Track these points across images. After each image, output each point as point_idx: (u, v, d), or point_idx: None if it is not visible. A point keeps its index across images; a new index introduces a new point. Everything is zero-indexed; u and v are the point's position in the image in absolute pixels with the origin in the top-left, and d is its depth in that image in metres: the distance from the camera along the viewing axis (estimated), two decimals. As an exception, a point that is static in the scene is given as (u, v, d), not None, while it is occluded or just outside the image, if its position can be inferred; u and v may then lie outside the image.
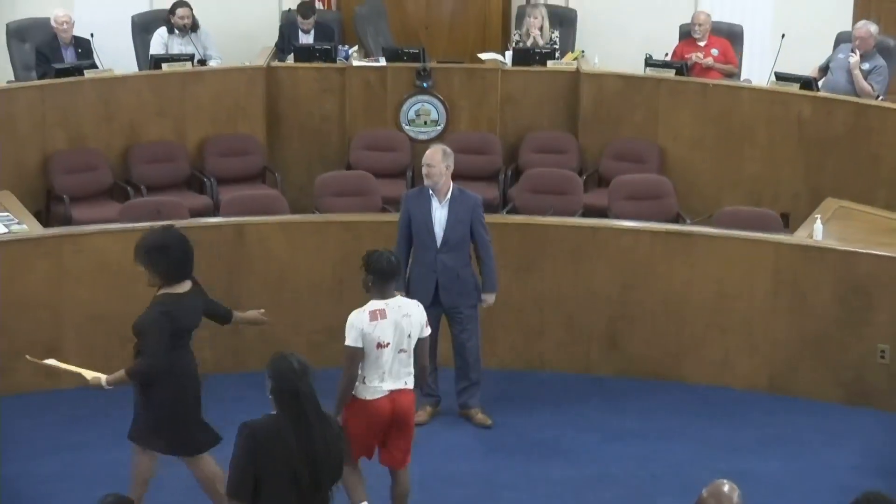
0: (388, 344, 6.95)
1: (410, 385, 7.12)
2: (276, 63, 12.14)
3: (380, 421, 7.04)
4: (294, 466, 5.62)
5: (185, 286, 6.88)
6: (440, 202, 8.37)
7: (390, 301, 7.02)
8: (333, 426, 5.92)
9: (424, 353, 7.19)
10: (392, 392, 7.00)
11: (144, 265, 6.77)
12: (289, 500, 5.68)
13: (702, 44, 12.27)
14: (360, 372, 6.98)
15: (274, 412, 5.67)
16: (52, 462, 8.00)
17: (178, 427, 6.85)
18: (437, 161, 8.32)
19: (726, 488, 5.04)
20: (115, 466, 7.83)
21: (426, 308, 7.73)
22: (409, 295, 7.89)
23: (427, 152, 8.47)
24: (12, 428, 8.32)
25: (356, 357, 6.94)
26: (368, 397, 7.02)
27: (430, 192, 8.39)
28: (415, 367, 7.12)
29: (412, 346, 7.07)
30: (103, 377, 6.70)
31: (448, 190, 8.38)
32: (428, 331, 7.20)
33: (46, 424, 8.44)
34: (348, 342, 6.95)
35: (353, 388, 6.97)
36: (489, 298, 8.46)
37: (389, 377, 7.00)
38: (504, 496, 7.29)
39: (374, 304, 6.98)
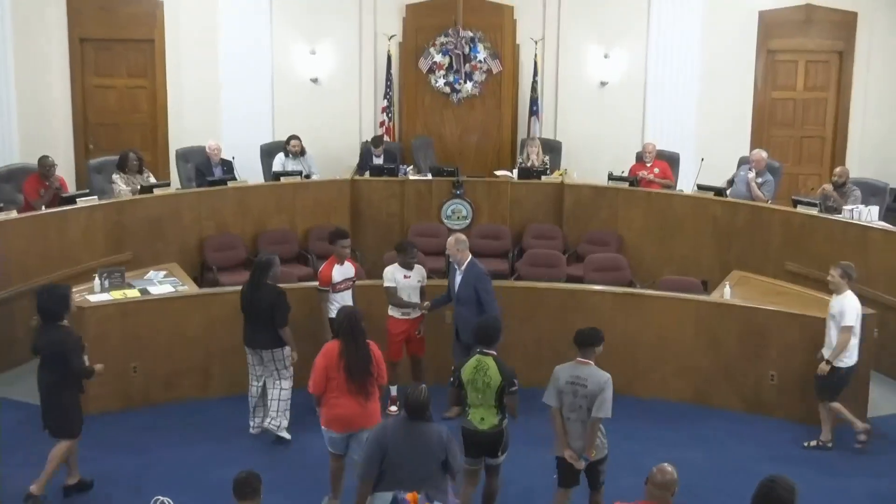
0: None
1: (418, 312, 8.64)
2: (357, 177, 12.20)
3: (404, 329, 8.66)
4: (244, 306, 7.99)
5: None
6: (459, 270, 8.41)
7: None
8: (269, 294, 7.93)
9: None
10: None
11: None
12: (245, 321, 8.04)
13: (648, 164, 12.27)
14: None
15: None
16: (200, 448, 8.00)
17: None
18: (451, 246, 8.45)
19: (665, 465, 5.16)
20: (241, 452, 7.87)
21: (453, 342, 8.45)
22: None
23: (449, 241, 8.54)
24: (173, 424, 8.37)
25: (391, 291, 8.63)
26: (398, 317, 8.63)
27: (455, 264, 8.44)
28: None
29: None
30: None
31: (465, 262, 8.40)
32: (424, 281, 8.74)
33: (198, 423, 8.44)
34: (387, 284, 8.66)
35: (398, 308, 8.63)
36: None
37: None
38: (513, 474, 7.24)
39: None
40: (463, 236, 8.59)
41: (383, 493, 5.72)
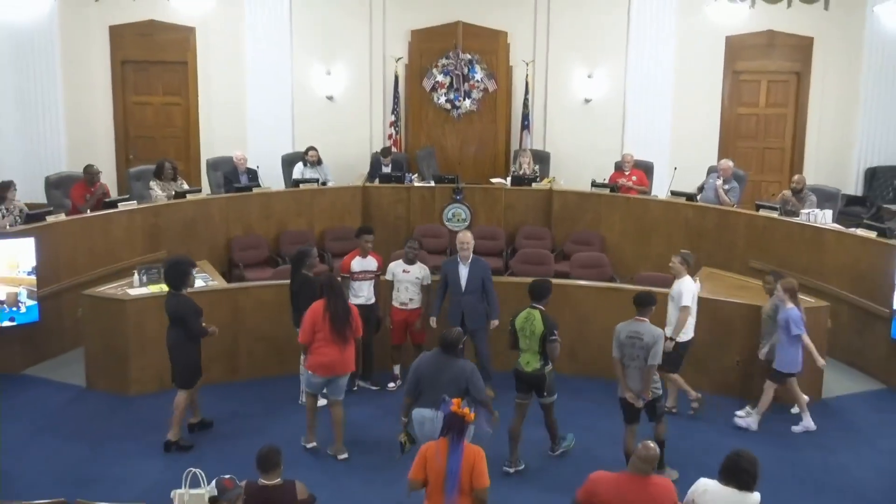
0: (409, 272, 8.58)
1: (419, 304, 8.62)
2: (367, 184, 12.20)
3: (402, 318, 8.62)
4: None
5: None
6: (464, 265, 8.41)
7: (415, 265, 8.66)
8: (298, 281, 8.02)
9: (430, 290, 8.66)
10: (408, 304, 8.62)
11: None
12: None
13: (627, 173, 12.26)
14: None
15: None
16: (228, 425, 8.01)
17: None
18: (469, 241, 8.45)
19: (649, 442, 5.26)
20: (266, 428, 7.86)
21: None
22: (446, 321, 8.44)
23: (463, 236, 8.52)
24: (204, 405, 8.30)
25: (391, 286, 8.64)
26: (397, 306, 8.62)
27: (458, 259, 8.42)
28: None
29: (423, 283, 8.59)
30: None
31: (469, 257, 8.43)
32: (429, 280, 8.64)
33: (228, 401, 8.44)
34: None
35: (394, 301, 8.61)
36: (495, 322, 8.39)
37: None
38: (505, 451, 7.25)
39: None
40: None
41: (421, 409, 6.40)
